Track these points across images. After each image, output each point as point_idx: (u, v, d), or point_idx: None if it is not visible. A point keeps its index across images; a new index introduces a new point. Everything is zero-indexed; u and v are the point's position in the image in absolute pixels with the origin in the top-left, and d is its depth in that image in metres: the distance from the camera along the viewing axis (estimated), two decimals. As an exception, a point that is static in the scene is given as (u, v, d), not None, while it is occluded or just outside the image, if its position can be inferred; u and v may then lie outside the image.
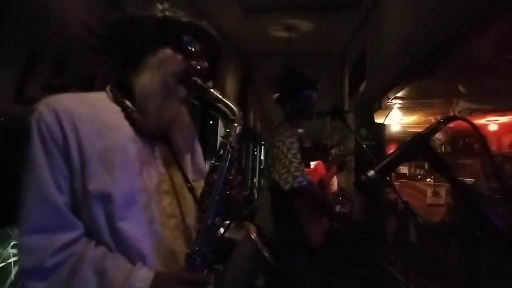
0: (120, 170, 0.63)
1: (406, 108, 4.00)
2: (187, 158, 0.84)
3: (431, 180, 4.54)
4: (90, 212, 0.61)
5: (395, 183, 3.77)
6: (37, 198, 0.59)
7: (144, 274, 0.61)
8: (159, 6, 0.72)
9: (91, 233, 0.62)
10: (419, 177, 5.79)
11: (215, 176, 0.68)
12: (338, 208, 4.01)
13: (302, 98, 1.70)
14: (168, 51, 0.71)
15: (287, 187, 1.42)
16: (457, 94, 3.30)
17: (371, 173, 0.57)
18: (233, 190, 0.72)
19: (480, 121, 4.59)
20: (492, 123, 4.77)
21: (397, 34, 2.18)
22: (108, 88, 0.74)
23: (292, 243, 1.55)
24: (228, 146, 0.70)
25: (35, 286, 0.57)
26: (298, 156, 1.48)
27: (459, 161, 5.69)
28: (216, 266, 0.72)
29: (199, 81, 0.72)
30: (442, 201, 3.27)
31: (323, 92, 5.98)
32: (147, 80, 0.69)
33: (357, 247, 3.56)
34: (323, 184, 1.80)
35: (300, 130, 1.66)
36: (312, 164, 1.88)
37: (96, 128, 0.64)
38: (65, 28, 1.41)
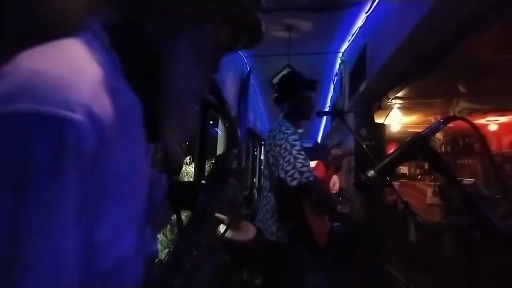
0: (132, 199, 0.43)
1: (406, 108, 4.00)
2: None
3: (431, 180, 4.54)
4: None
5: (395, 183, 3.77)
6: (49, 253, 0.32)
7: None
8: None
9: None
10: (419, 177, 5.79)
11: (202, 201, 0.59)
12: (338, 208, 4.02)
13: (300, 98, 1.70)
14: (210, 29, 0.47)
15: (294, 183, 1.40)
16: (457, 94, 3.30)
17: (371, 173, 0.57)
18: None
19: (480, 121, 4.59)
20: (492, 123, 4.77)
21: (397, 34, 2.18)
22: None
23: (296, 243, 1.54)
24: (220, 171, 0.62)
25: None
26: (303, 152, 1.47)
27: (459, 161, 5.69)
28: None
29: (223, 97, 0.61)
30: (442, 201, 3.27)
31: (323, 92, 5.99)
32: (185, 73, 0.46)
33: (357, 247, 3.56)
34: (323, 183, 1.79)
35: (300, 130, 1.66)
36: (312, 164, 1.87)
37: (122, 139, 0.39)
38: (65, 28, 1.41)
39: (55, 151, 0.30)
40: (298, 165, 1.41)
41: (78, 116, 0.32)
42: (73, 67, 0.35)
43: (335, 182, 4.46)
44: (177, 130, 0.49)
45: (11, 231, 0.30)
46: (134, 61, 0.44)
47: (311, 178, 1.40)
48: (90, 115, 0.33)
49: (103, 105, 0.36)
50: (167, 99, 0.46)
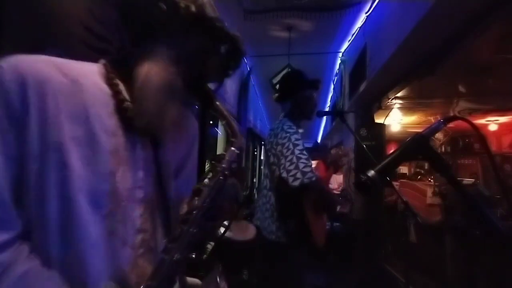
0: (86, 164, 0.52)
1: (406, 108, 3.99)
2: (172, 170, 0.70)
3: (431, 180, 4.54)
4: (43, 206, 0.49)
5: (395, 183, 3.77)
6: None
7: None
8: (199, 1, 0.61)
9: (30, 232, 0.50)
10: (419, 177, 5.78)
11: (197, 203, 0.57)
12: (338, 208, 4.02)
13: (302, 98, 1.69)
14: (185, 46, 0.60)
15: (296, 183, 1.38)
16: (457, 94, 3.30)
17: (371, 173, 0.56)
18: (213, 223, 0.61)
19: (480, 121, 4.59)
20: (492, 123, 4.77)
21: (397, 34, 2.18)
22: (102, 61, 0.61)
23: (296, 243, 1.54)
24: (219, 172, 0.59)
25: None
26: (305, 152, 1.46)
27: (459, 161, 5.69)
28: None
29: (211, 93, 0.64)
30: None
31: (323, 92, 5.97)
32: (154, 71, 0.58)
33: (357, 247, 3.56)
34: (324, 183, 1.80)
35: (300, 130, 1.65)
36: (313, 163, 1.87)
37: (71, 108, 0.52)
38: (65, 28, 1.41)
39: None
40: (301, 165, 1.40)
41: (4, 65, 0.49)
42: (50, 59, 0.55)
43: (340, 183, 4.46)
44: (151, 117, 0.58)
45: None
46: (118, 65, 0.61)
47: (314, 179, 1.39)
48: (17, 72, 0.49)
49: (41, 77, 0.51)
50: (140, 91, 0.57)
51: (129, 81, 0.58)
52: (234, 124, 0.64)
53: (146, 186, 0.60)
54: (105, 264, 0.53)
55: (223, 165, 0.60)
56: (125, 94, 0.59)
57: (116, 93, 0.58)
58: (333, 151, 1.97)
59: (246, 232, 2.59)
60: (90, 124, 0.54)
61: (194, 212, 0.56)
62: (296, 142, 1.47)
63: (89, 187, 0.52)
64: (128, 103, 0.58)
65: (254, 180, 6.65)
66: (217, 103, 0.64)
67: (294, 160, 1.42)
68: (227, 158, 0.61)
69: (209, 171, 0.60)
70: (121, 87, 0.59)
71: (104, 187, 0.54)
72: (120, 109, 0.57)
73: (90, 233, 0.51)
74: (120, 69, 0.60)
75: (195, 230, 0.55)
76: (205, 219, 0.57)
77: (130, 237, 0.57)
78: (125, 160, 0.57)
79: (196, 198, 0.57)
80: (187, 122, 0.73)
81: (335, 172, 1.94)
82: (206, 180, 0.59)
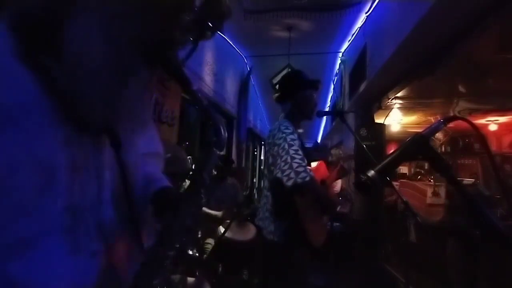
0: (34, 193, 0.38)
1: (406, 108, 4.00)
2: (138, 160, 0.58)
3: (431, 180, 4.54)
4: None
5: (395, 183, 3.77)
6: None
7: None
8: None
9: None
10: (419, 177, 5.78)
11: (173, 220, 0.49)
12: (338, 208, 4.02)
13: (301, 98, 1.70)
14: None
15: (289, 183, 1.40)
16: (457, 94, 3.30)
17: (371, 173, 0.56)
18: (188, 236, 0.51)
19: (480, 121, 4.59)
20: (492, 123, 4.77)
21: (397, 34, 2.18)
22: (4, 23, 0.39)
23: (292, 243, 1.54)
24: (198, 184, 0.49)
25: None
26: (300, 152, 1.47)
27: (459, 161, 5.69)
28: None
29: (182, 68, 0.46)
30: (442, 201, 3.27)
31: (323, 92, 5.97)
32: (91, 37, 0.39)
33: (357, 247, 3.56)
34: (325, 184, 1.79)
35: (300, 130, 1.65)
36: (314, 164, 1.87)
37: None
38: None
39: None
40: (295, 165, 1.42)
41: None
42: None
43: (336, 182, 4.44)
44: (97, 101, 0.42)
45: None
46: (31, 38, 0.39)
47: (307, 179, 1.40)
48: None
49: None
50: (72, 72, 0.39)
51: (55, 56, 0.39)
52: (211, 112, 0.48)
53: (113, 188, 0.51)
54: (73, 284, 0.44)
55: (204, 177, 0.49)
56: (61, 79, 0.39)
57: (48, 81, 0.39)
58: (333, 151, 1.97)
59: (246, 232, 2.59)
60: (26, 141, 0.37)
61: (169, 231, 0.48)
62: (291, 142, 1.49)
63: (37, 212, 0.39)
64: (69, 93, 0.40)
65: (254, 180, 6.66)
66: (190, 83, 0.46)
67: (288, 160, 1.44)
68: (208, 166, 0.51)
69: (189, 183, 0.50)
70: (53, 68, 0.39)
71: (58, 205, 0.41)
72: (65, 104, 0.40)
73: (39, 265, 0.41)
74: (40, 39, 0.39)
75: (171, 253, 0.47)
76: (182, 233, 0.49)
77: (100, 245, 0.48)
78: (82, 166, 0.45)
79: (172, 213, 0.49)
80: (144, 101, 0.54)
81: (340, 177, 1.95)
82: (183, 190, 0.50)
